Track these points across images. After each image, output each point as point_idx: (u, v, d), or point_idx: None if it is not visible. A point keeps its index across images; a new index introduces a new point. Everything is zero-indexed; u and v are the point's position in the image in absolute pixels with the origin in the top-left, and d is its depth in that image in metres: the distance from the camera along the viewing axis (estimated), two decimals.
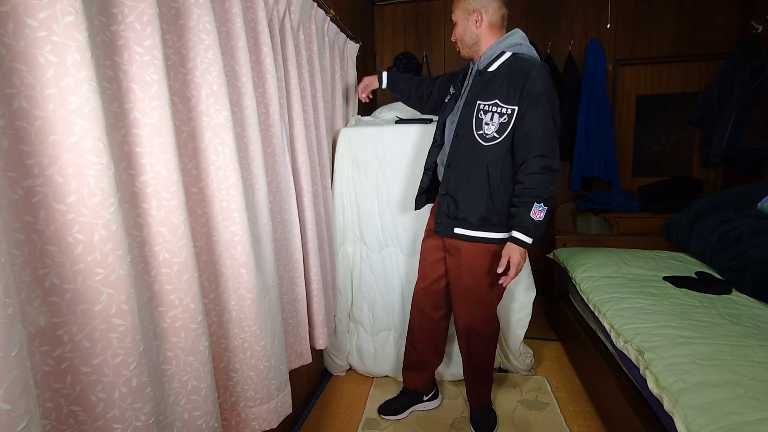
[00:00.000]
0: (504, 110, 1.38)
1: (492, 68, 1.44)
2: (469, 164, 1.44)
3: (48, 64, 0.59)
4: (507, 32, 1.47)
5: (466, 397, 1.82)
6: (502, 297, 1.65)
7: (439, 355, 1.82)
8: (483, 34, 1.47)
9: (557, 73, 2.92)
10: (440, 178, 1.57)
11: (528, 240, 1.36)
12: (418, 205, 1.70)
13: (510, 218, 1.42)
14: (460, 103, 1.52)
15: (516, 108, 1.36)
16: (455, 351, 2.01)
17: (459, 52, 1.55)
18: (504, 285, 1.43)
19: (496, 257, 1.46)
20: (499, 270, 1.38)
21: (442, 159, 1.57)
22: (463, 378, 2.00)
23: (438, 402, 1.87)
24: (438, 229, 1.54)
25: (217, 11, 1.00)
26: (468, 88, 1.52)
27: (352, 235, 2.04)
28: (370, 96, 2.00)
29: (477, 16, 1.45)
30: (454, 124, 1.50)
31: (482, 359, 1.68)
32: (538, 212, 1.33)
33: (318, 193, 1.69)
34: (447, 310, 1.75)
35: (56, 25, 0.59)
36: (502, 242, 1.46)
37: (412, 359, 1.79)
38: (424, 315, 1.73)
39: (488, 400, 1.76)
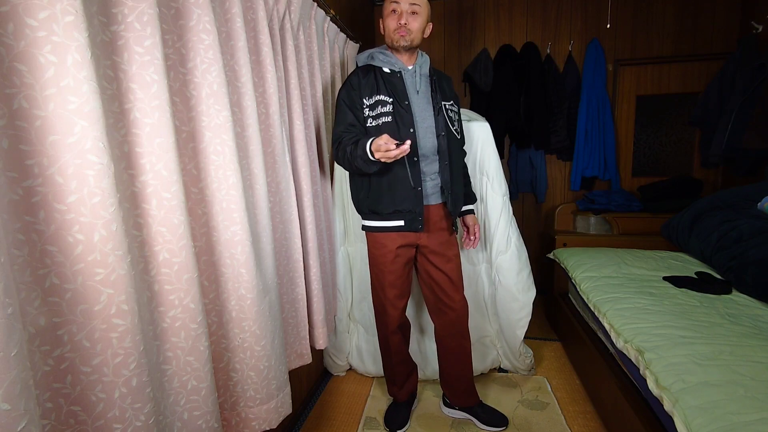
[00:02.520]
0: (456, 108, 1.63)
1: (432, 73, 1.59)
2: (456, 157, 1.59)
3: (48, 64, 0.59)
4: None
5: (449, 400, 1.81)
6: None
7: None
8: (421, 40, 1.54)
9: (557, 73, 2.92)
10: (426, 187, 1.54)
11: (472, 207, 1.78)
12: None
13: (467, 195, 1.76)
14: (430, 106, 1.53)
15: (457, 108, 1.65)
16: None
17: (402, 36, 1.47)
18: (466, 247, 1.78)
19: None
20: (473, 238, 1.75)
21: (426, 167, 1.53)
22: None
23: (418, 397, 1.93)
24: (452, 219, 1.63)
25: (217, 11, 1.00)
26: (415, 90, 1.53)
27: (352, 235, 2.04)
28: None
29: (430, 27, 1.57)
30: (439, 126, 1.53)
31: (470, 347, 1.73)
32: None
33: (318, 193, 1.69)
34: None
35: (56, 25, 0.59)
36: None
37: (405, 374, 1.78)
38: (405, 334, 1.74)
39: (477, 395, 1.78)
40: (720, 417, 0.99)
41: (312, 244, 1.56)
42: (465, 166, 1.76)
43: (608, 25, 2.78)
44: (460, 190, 1.61)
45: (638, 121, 3.03)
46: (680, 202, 2.67)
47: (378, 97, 1.50)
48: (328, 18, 1.83)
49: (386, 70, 1.53)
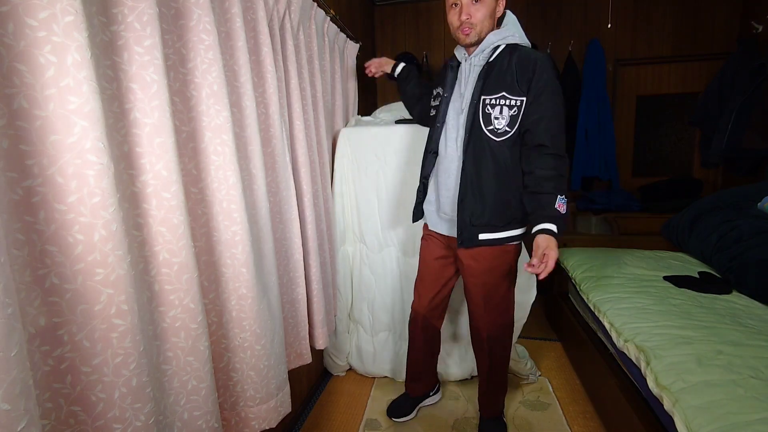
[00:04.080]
0: (513, 102, 1.31)
1: (491, 60, 1.36)
2: (486, 164, 1.35)
3: (48, 64, 0.59)
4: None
5: (467, 398, 1.82)
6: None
7: (437, 356, 1.81)
8: (494, 24, 1.38)
9: (557, 73, 2.92)
10: (439, 187, 1.49)
11: (557, 231, 1.25)
12: (417, 217, 1.62)
13: (531, 211, 1.30)
14: (462, 103, 1.41)
15: (524, 99, 1.30)
16: (456, 351, 2.01)
17: (462, 36, 1.36)
18: (541, 278, 1.28)
19: (514, 256, 1.47)
20: (534, 263, 1.23)
21: (439, 167, 1.49)
22: (464, 378, 2.01)
23: (440, 395, 1.88)
24: (461, 241, 1.42)
25: (217, 11, 1.00)
26: (467, 84, 1.41)
27: (352, 235, 2.04)
28: (376, 74, 1.88)
29: (502, 3, 1.37)
30: (461, 127, 1.39)
31: (502, 368, 1.60)
32: (561, 205, 1.26)
33: (318, 193, 1.69)
34: (444, 316, 1.72)
35: (56, 25, 0.59)
36: (519, 239, 1.46)
37: (419, 371, 1.75)
38: (428, 326, 1.67)
39: (500, 411, 1.68)
40: (720, 417, 0.99)
41: (312, 244, 1.56)
42: (517, 174, 1.36)
43: (608, 25, 2.78)
44: (477, 207, 1.37)
45: (638, 121, 3.03)
46: (680, 202, 2.67)
47: (437, 90, 1.56)
48: (328, 18, 1.83)
49: (453, 62, 1.50)
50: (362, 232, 2.00)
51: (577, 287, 2.02)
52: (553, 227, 1.25)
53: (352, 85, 2.29)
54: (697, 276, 1.92)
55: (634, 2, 2.85)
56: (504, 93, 1.32)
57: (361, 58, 2.45)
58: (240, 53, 1.08)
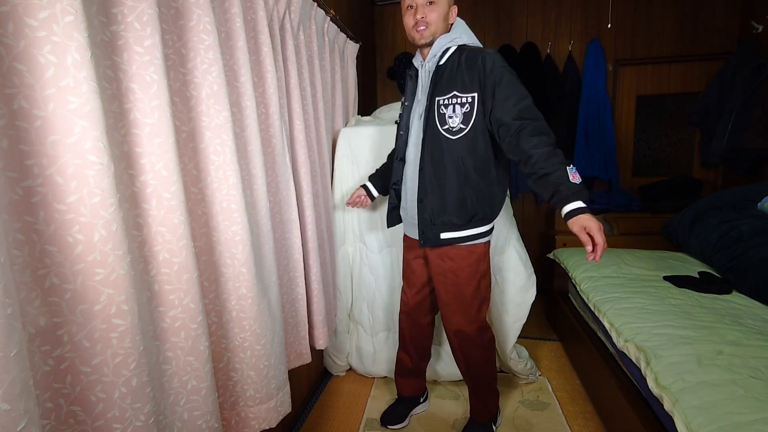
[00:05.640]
0: (464, 99, 1.33)
1: (442, 62, 1.39)
2: (443, 163, 1.38)
3: (48, 64, 0.59)
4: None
5: (467, 398, 1.80)
6: (489, 301, 1.57)
7: (428, 358, 1.81)
8: (447, 28, 1.40)
9: (557, 73, 2.92)
10: (407, 192, 1.51)
11: (585, 204, 1.16)
12: (391, 223, 1.63)
13: (550, 196, 1.20)
14: (419, 108, 1.45)
15: (476, 95, 1.32)
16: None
17: (417, 35, 1.39)
18: (597, 258, 1.15)
19: (481, 256, 1.46)
20: (589, 249, 1.14)
21: (407, 171, 1.51)
22: (462, 378, 2.00)
23: (428, 404, 1.87)
24: (423, 240, 1.43)
25: (217, 11, 1.00)
26: (421, 89, 1.46)
27: (352, 235, 2.04)
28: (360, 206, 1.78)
29: (455, 10, 1.41)
30: (421, 131, 1.42)
31: (479, 370, 1.58)
32: (574, 175, 1.18)
33: (318, 193, 1.69)
34: (433, 314, 1.72)
35: (56, 25, 0.59)
36: (484, 237, 1.44)
37: (408, 367, 1.76)
38: (415, 322, 1.69)
39: (487, 419, 1.63)
40: (720, 417, 0.99)
41: (312, 244, 1.56)
42: (476, 170, 1.38)
43: (608, 25, 2.79)
44: (436, 205, 1.40)
45: (638, 121, 3.03)
46: (680, 202, 2.67)
47: (402, 100, 1.56)
48: (328, 18, 1.83)
49: (411, 72, 1.52)
50: (362, 232, 2.00)
51: (577, 287, 2.02)
52: (578, 204, 1.16)
53: (352, 85, 2.29)
54: (697, 276, 1.92)
55: (634, 2, 2.85)
56: (455, 92, 1.35)
57: (361, 58, 2.46)
58: (240, 53, 1.08)
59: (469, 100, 1.33)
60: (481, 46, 1.42)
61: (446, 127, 1.37)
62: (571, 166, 1.19)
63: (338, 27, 1.99)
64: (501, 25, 3.01)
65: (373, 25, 3.17)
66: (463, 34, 1.40)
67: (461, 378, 2.00)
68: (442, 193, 1.39)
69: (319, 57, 1.73)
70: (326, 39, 1.85)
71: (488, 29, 3.03)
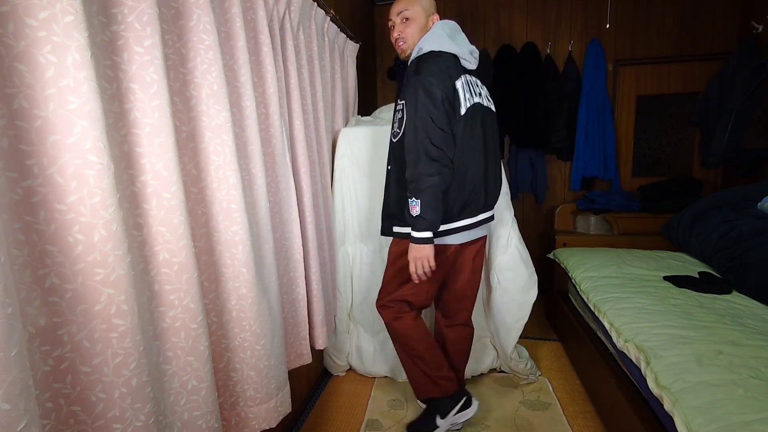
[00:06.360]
0: (399, 105, 1.42)
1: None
2: (393, 164, 1.49)
3: (48, 64, 0.59)
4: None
5: (473, 395, 1.73)
6: (409, 291, 1.55)
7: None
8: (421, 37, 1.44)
9: (557, 73, 2.92)
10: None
11: (416, 234, 1.32)
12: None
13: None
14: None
15: (404, 101, 1.38)
16: None
17: (402, 49, 1.48)
18: (415, 281, 1.41)
19: (401, 253, 1.49)
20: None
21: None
22: (474, 375, 2.02)
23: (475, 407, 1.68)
24: (382, 229, 1.56)
25: (217, 11, 1.00)
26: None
27: (352, 235, 2.04)
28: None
29: (434, 18, 1.47)
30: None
31: (397, 347, 1.62)
32: (413, 207, 1.32)
33: (318, 193, 1.69)
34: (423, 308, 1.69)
35: (56, 25, 0.59)
36: (406, 236, 1.47)
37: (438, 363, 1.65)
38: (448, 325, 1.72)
39: (422, 397, 1.64)
40: (720, 417, 0.98)
41: (312, 244, 1.56)
42: (400, 176, 1.44)
43: (608, 26, 2.79)
44: (389, 201, 1.52)
45: (638, 121, 3.03)
46: (680, 202, 2.67)
47: None
48: (328, 18, 1.83)
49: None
50: (362, 232, 2.00)
51: (577, 287, 2.02)
52: (409, 231, 1.36)
53: (352, 85, 2.29)
54: (697, 276, 1.92)
55: (634, 2, 2.85)
56: (399, 98, 1.44)
57: (361, 58, 2.46)
58: (240, 53, 1.08)
59: (401, 106, 1.41)
60: (445, 50, 1.40)
61: (393, 131, 1.48)
62: (413, 199, 1.33)
63: (338, 27, 1.99)
64: (501, 25, 3.01)
65: (373, 25, 3.17)
66: (428, 43, 1.41)
67: (472, 375, 2.01)
68: (390, 191, 1.52)
69: (319, 57, 1.73)
70: (326, 39, 1.85)
71: (488, 29, 3.03)
